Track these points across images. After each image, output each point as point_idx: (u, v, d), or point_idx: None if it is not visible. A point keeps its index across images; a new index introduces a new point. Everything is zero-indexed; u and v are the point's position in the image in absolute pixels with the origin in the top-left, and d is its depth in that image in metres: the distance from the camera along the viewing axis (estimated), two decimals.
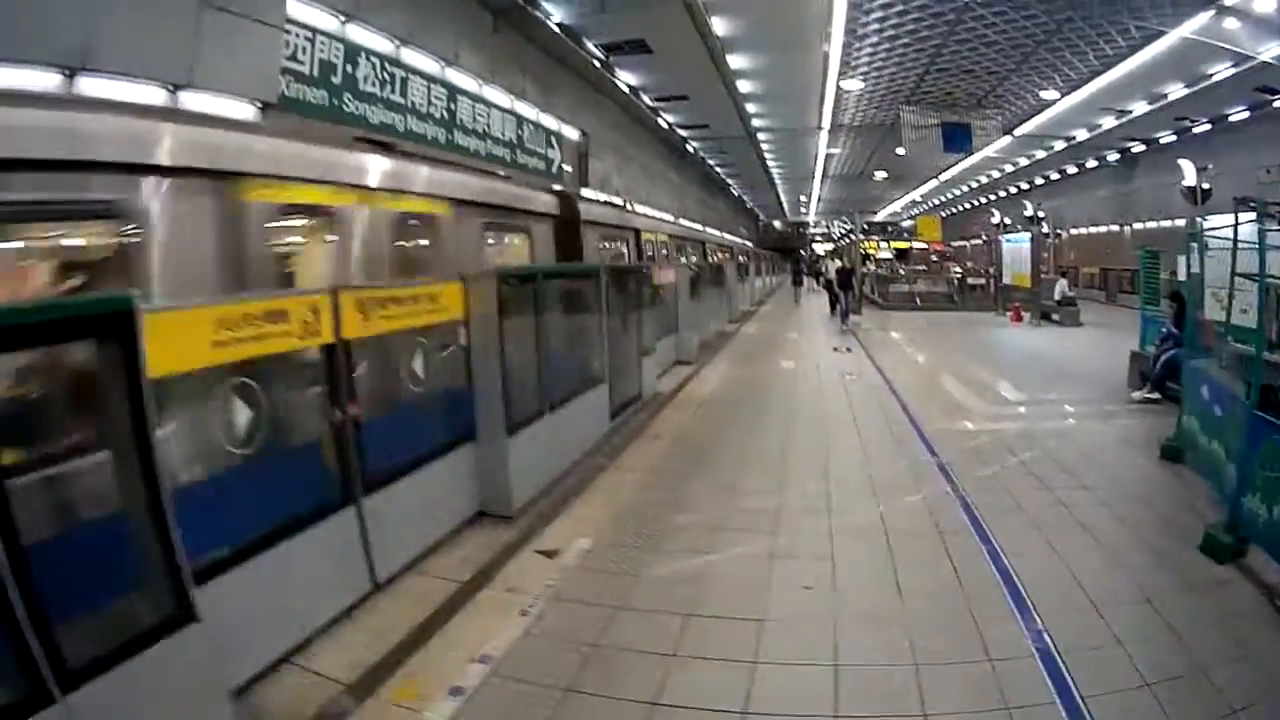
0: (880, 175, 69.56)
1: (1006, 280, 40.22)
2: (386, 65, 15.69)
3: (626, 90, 34.84)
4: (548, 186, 21.53)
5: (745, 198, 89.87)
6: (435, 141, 17.40)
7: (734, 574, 8.20)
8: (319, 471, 7.23)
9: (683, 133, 46.92)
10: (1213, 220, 13.62)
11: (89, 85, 9.02)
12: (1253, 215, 9.91)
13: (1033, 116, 45.04)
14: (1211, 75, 33.23)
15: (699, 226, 53.45)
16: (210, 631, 5.11)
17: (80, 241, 7.52)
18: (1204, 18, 26.58)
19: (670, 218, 45.29)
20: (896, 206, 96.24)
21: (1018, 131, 47.21)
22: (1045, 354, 25.18)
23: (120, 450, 4.87)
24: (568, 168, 26.80)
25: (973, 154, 47.94)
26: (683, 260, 32.97)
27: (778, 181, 76.44)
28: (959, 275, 48.85)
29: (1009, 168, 64.80)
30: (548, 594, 7.69)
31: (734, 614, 7.29)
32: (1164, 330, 16.69)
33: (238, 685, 5.74)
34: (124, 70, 9.34)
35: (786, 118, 43.75)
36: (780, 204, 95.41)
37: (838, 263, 41.47)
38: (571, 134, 28.26)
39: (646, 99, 37.32)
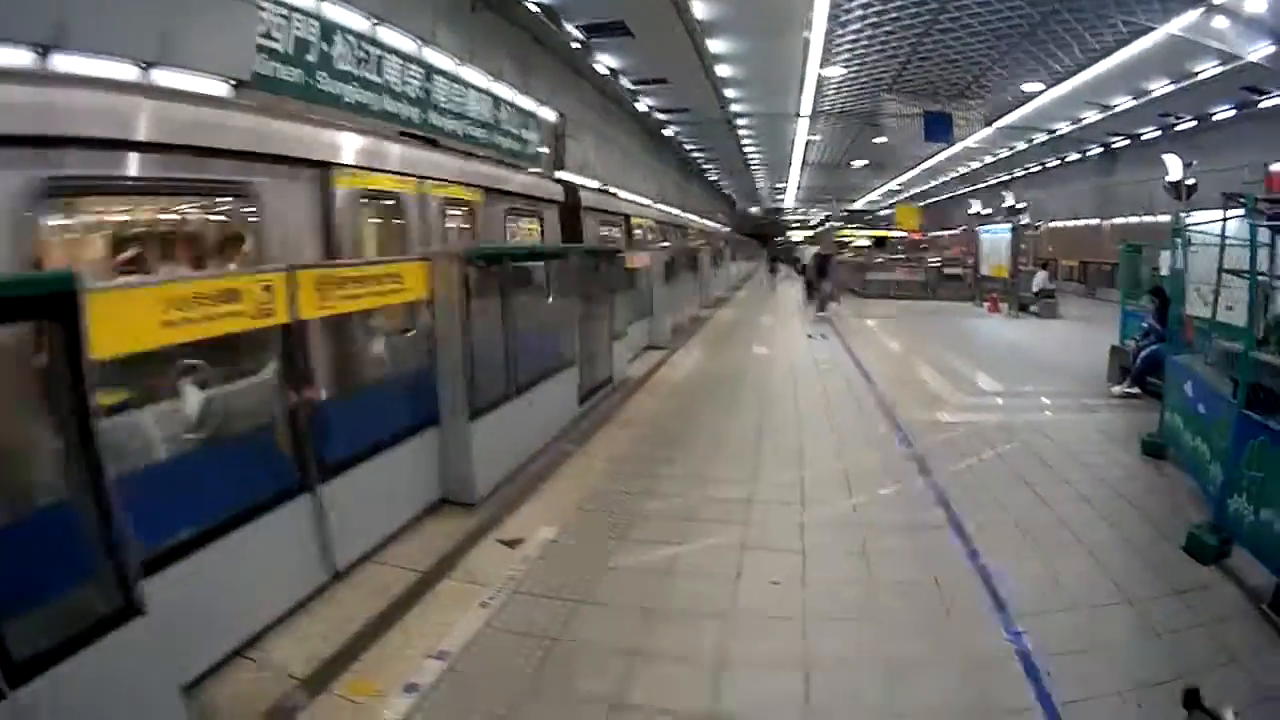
0: (859, 163, 69.70)
1: (984, 271, 40.11)
2: (363, 43, 15.41)
3: (606, 73, 34.68)
4: (555, 177, 23.02)
5: (722, 183, 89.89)
6: (410, 121, 17.13)
7: (702, 567, 7.93)
8: (273, 457, 6.93)
9: (661, 116, 46.63)
10: (1197, 216, 13.49)
11: (63, 62, 8.80)
12: (1240, 211, 9.76)
13: (1015, 108, 44.99)
14: (1198, 73, 33.29)
15: (679, 212, 53.37)
16: (159, 625, 4.93)
17: (224, 217, 8.94)
18: (1193, 15, 26.58)
19: (656, 204, 46.54)
20: (875, 195, 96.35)
21: (999, 123, 47.05)
22: (1023, 345, 25.01)
23: (60, 436, 4.64)
24: (544, 149, 26.59)
25: (954, 144, 47.82)
26: (666, 243, 34.05)
27: (755, 168, 76.66)
28: (936, 265, 48.76)
29: (989, 159, 64.81)
30: (509, 586, 7.41)
31: (701, 610, 7.03)
32: (1145, 325, 16.55)
33: (190, 680, 5.57)
34: (98, 47, 9.10)
35: (766, 103, 43.57)
36: (757, 190, 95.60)
37: (815, 249, 41.20)
38: (549, 115, 28.08)
39: (625, 82, 37.17)
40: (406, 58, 17.31)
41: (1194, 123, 39.35)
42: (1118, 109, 41.31)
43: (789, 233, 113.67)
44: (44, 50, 8.68)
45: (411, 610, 6.99)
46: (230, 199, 8.68)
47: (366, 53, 15.49)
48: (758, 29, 30.68)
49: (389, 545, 8.24)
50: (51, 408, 4.64)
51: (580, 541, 8.52)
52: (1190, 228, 12.47)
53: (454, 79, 19.73)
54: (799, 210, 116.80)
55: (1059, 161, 58.96)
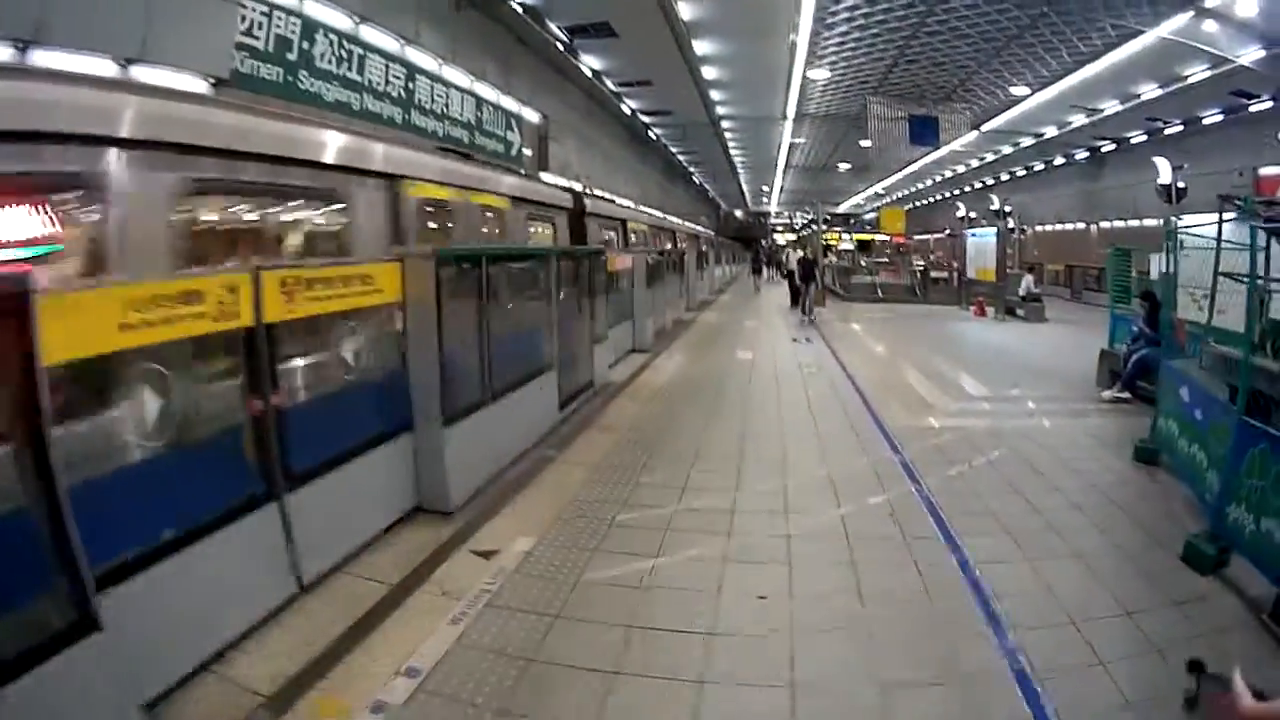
0: (844, 167, 69.50)
1: (971, 274, 40.07)
2: (345, 42, 15.20)
3: (589, 74, 34.49)
4: (565, 186, 25.51)
5: (707, 186, 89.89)
6: (391, 121, 16.96)
7: (683, 580, 7.62)
8: (237, 465, 6.64)
9: (645, 119, 46.48)
10: (1188, 219, 13.35)
11: (43, 59, 8.56)
12: (1233, 215, 9.60)
13: (1002, 112, 44.82)
14: (1187, 77, 33.18)
15: (670, 217, 53.81)
16: (118, 641, 4.84)
17: (321, 220, 11.06)
18: (1183, 19, 26.44)
19: (648, 209, 47.62)
20: (859, 198, 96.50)
21: (986, 126, 47.02)
22: (1010, 349, 24.87)
23: (11, 444, 4.44)
24: (527, 151, 26.46)
25: (939, 148, 47.79)
26: (658, 245, 36.71)
27: (740, 170, 76.60)
28: (922, 268, 48.68)
29: (975, 163, 64.84)
30: (483, 599, 7.09)
31: (682, 626, 6.72)
32: (1135, 329, 16.40)
33: (150, 698, 5.36)
34: (79, 44, 8.86)
35: (751, 106, 43.48)
36: (742, 193, 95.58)
37: (800, 253, 41.01)
38: (532, 117, 27.93)
39: (610, 83, 36.96)
40: (389, 57, 17.14)
41: (1181, 127, 39.32)
42: (1105, 113, 41.21)
43: (773, 235, 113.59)
44: (24, 46, 8.50)
45: (382, 625, 6.68)
46: (333, 203, 11.01)
47: (348, 52, 15.29)
48: (744, 31, 30.51)
49: (361, 555, 8.01)
50: (3, 414, 4.44)
51: (557, 553, 8.20)
52: (1184, 230, 12.29)
53: (436, 79, 19.57)
54: (783, 213, 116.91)
55: (1045, 166, 58.98)
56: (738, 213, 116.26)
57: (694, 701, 5.65)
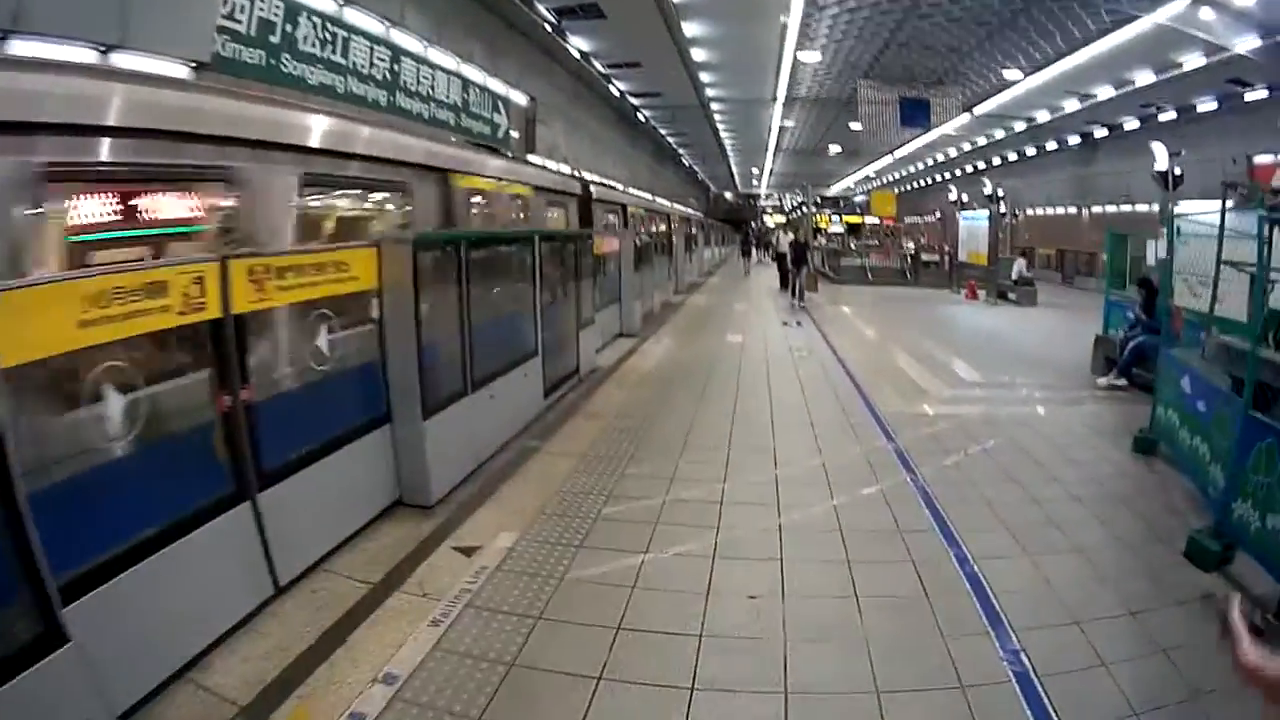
0: (834, 149, 69.19)
1: (962, 258, 39.94)
2: (328, 25, 14.86)
3: (578, 56, 34.21)
4: (575, 175, 28.40)
5: (696, 168, 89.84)
6: (376, 104, 16.67)
7: (671, 578, 7.36)
8: (207, 465, 6.38)
9: (634, 101, 46.19)
10: (1187, 205, 13.20)
11: (21, 48, 8.17)
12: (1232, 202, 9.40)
13: (994, 95, 44.46)
14: (1182, 64, 32.77)
15: (662, 199, 53.61)
16: (88, 652, 4.72)
17: (393, 208, 12.81)
18: (1180, 5, 26.11)
19: (646, 193, 49.26)
20: (850, 181, 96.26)
21: (978, 110, 46.69)
22: (1003, 334, 24.72)
23: None
24: (514, 134, 26.17)
25: (930, 131, 47.58)
26: (655, 227, 38.20)
27: (730, 153, 76.46)
28: (912, 251, 48.52)
29: (967, 146, 64.47)
30: (463, 599, 6.82)
31: (669, 628, 6.46)
32: (1131, 316, 16.23)
33: (123, 709, 5.19)
34: (58, 32, 8.55)
35: (741, 88, 43.22)
36: (732, 175, 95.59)
37: (790, 236, 40.70)
38: (519, 99, 27.66)
39: (598, 65, 36.64)
40: (374, 39, 16.81)
41: (1175, 114, 39.02)
42: (1098, 98, 40.90)
43: (763, 218, 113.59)
44: (2, 36, 8.14)
45: (359, 627, 6.42)
46: (400, 194, 12.65)
47: (332, 34, 14.97)
48: (734, 12, 30.29)
49: (339, 553, 7.79)
50: None
51: (541, 549, 7.93)
52: (1185, 217, 12.06)
53: (422, 61, 19.24)
54: (773, 196, 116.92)
55: (1037, 150, 58.72)
56: (727, 195, 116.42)
57: (683, 710, 5.38)
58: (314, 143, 9.84)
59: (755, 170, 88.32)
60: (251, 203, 8.52)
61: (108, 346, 5.28)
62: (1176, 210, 13.17)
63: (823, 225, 69.55)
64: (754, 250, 60.57)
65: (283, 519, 6.90)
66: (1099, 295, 19.74)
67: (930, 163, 76.86)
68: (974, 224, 39.70)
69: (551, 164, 28.95)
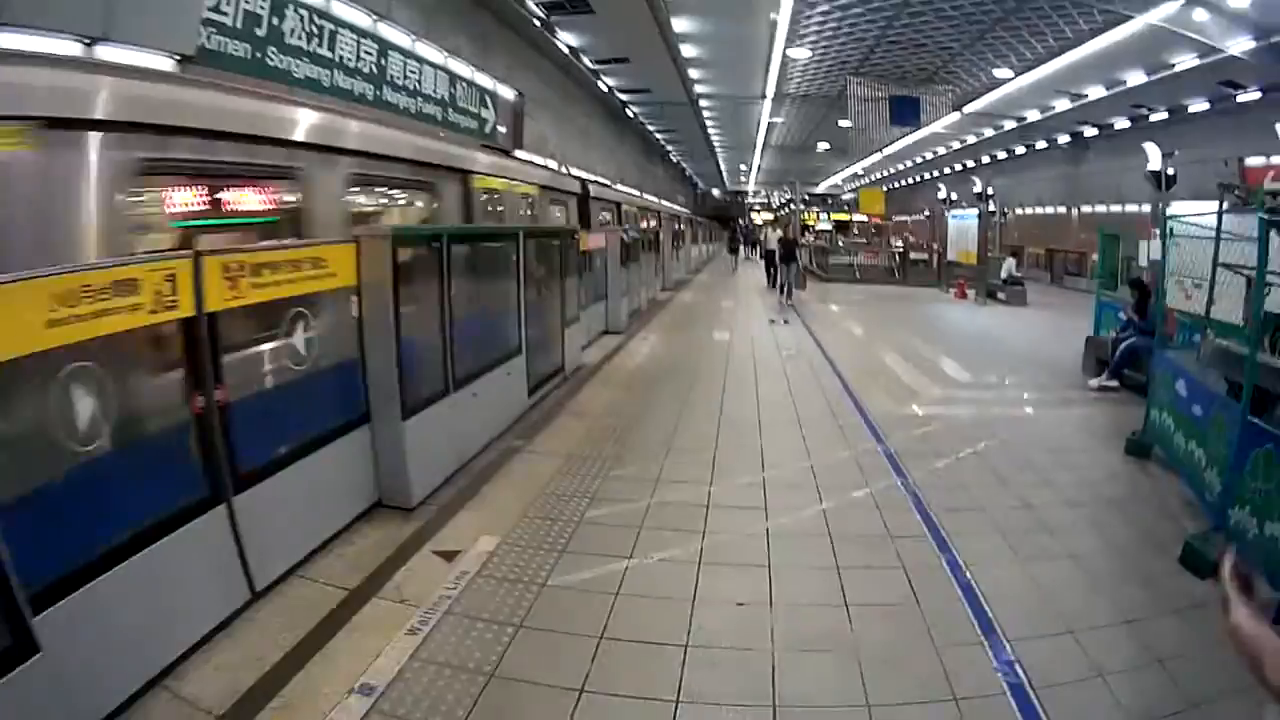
0: (823, 147, 69.19)
1: (951, 256, 39.89)
2: (315, 18, 14.66)
3: (566, 51, 34.07)
4: (575, 175, 30.20)
5: (684, 165, 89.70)
6: (363, 98, 16.48)
7: (656, 585, 7.20)
8: (180, 468, 6.20)
9: (623, 97, 46.03)
10: (1177, 207, 13.10)
11: (4, 41, 8.06)
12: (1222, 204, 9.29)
13: (984, 94, 44.40)
14: (1174, 65, 32.70)
15: (649, 196, 54.31)
16: (60, 662, 4.66)
17: (421, 205, 14.65)
18: (1173, 6, 25.99)
19: (639, 192, 50.72)
20: (838, 179, 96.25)
21: (968, 109, 46.60)
22: (993, 334, 24.65)
23: None
24: (502, 128, 25.95)
25: (920, 129, 47.53)
26: (646, 223, 38.88)
27: (718, 150, 76.42)
28: (901, 249, 48.44)
29: (956, 145, 64.47)
30: (443, 606, 6.64)
31: (654, 637, 6.29)
32: (1122, 318, 16.17)
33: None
34: (40, 24, 8.38)
35: (730, 85, 43.03)
36: (720, 172, 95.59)
37: (779, 233, 40.53)
38: (507, 94, 27.38)
39: (587, 61, 36.44)
40: (361, 33, 16.63)
41: (1166, 115, 39.00)
42: (1089, 98, 40.82)
43: (751, 215, 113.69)
44: None
45: (337, 635, 6.24)
46: (427, 192, 14.37)
47: (319, 27, 14.76)
48: (723, 8, 30.21)
49: (318, 556, 7.61)
50: None
51: (523, 553, 7.75)
52: (1180, 218, 11.94)
53: (409, 55, 19.02)
54: (761, 193, 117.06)
55: (1027, 149, 58.71)
56: (715, 191, 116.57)
57: None
58: (358, 146, 11.36)
59: (743, 167, 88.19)
60: (312, 198, 9.97)
61: (77, 346, 5.08)
62: (1171, 211, 13.00)
63: (810, 223, 69.49)
64: (742, 247, 60.58)
65: (259, 522, 6.73)
66: (1088, 295, 19.71)
67: (919, 160, 76.88)
68: (963, 222, 39.64)
69: (554, 165, 29.26)
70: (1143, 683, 5.76)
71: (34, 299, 4.63)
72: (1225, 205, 10.00)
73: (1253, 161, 32.19)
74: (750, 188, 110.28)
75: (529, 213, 20.57)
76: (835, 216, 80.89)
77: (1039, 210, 59.18)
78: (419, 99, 18.86)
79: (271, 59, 13.04)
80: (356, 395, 8.50)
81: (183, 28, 10.73)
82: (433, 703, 5.37)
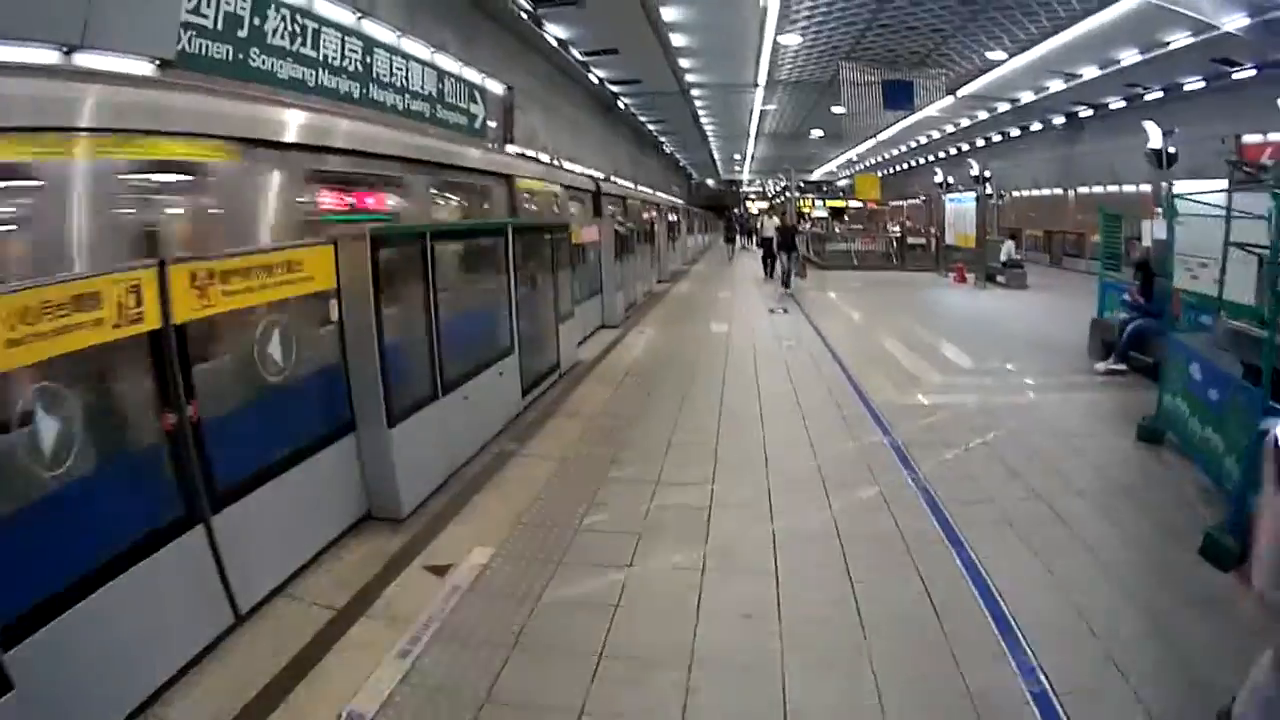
0: (817, 134, 69.13)
1: (949, 240, 39.65)
2: (298, 17, 14.44)
3: (555, 43, 33.67)
4: (589, 174, 35.50)
5: (678, 155, 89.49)
6: (349, 97, 16.24)
7: (657, 596, 6.88)
8: (153, 489, 5.91)
9: (613, 88, 45.68)
10: (1184, 186, 12.84)
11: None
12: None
13: (978, 77, 44.18)
14: (1168, 43, 32.46)
15: (644, 188, 55.39)
16: (34, 699, 4.44)
17: (478, 203, 18.16)
18: None
19: (641, 186, 53.68)
20: (832, 166, 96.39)
21: (962, 91, 46.39)
22: (995, 318, 24.34)
23: None
24: (492, 123, 25.78)
25: (914, 113, 47.37)
26: (647, 215, 41.80)
27: (711, 139, 76.11)
28: (898, 235, 48.24)
29: (950, 128, 64.33)
30: (433, 625, 6.33)
31: (656, 653, 5.95)
32: (1126, 299, 15.98)
33: None
34: (18, 34, 8.15)
35: (721, 73, 42.71)
36: (713, 161, 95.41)
37: (777, 221, 40.22)
38: (496, 88, 27.19)
39: (576, 53, 36.10)
40: (345, 30, 16.40)
41: (1161, 93, 38.82)
42: (1083, 78, 40.60)
43: (746, 204, 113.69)
44: None
45: (324, 658, 5.95)
46: (484, 194, 18.34)
47: (301, 26, 14.54)
48: None
49: (305, 574, 7.31)
50: None
51: (518, 566, 7.43)
52: (1186, 197, 11.65)
53: (395, 52, 18.84)
54: (755, 181, 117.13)
55: (1021, 131, 58.57)
56: (709, 181, 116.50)
57: None
58: (440, 160, 15.46)
59: (737, 156, 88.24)
60: (410, 200, 13.99)
61: (37, 366, 4.83)
62: (1176, 190, 12.76)
63: (806, 210, 69.34)
64: (738, 237, 60.49)
65: (240, 542, 6.44)
66: (1088, 277, 19.57)
67: (914, 145, 76.84)
68: (961, 206, 39.38)
69: (575, 168, 34.02)
70: (1170, 685, 5.50)
71: None
72: (1233, 182, 9.69)
73: (1250, 139, 31.95)
74: (745, 177, 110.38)
75: (556, 209, 24.23)
76: (831, 203, 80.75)
77: (1035, 192, 59.00)
78: (406, 95, 18.81)
79: (254, 60, 12.99)
80: (340, 403, 8.20)
81: (161, 32, 10.64)
82: None
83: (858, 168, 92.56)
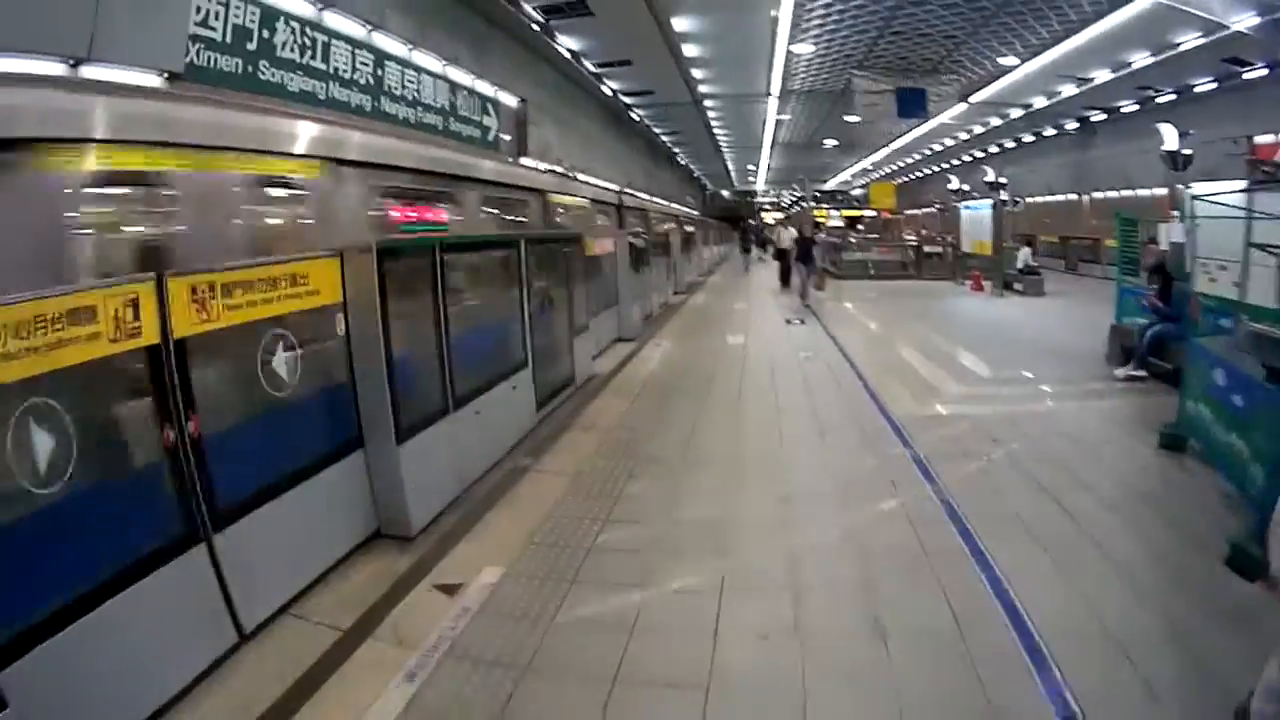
0: (830, 143, 69.13)
1: (966, 248, 39.44)
2: (307, 30, 14.37)
3: (567, 55, 33.65)
4: (613, 189, 36.37)
5: (692, 167, 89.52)
6: (360, 109, 16.15)
7: (673, 617, 6.67)
8: (152, 507, 5.77)
9: (626, 100, 45.68)
10: (1200, 187, 12.66)
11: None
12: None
13: (990, 83, 44.18)
14: (1179, 44, 32.60)
15: (657, 199, 55.60)
16: (30, 718, 4.43)
17: (518, 216, 20.48)
18: None
19: (650, 197, 52.15)
20: (846, 175, 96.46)
21: (975, 98, 46.36)
22: (1014, 325, 24.12)
23: None
24: (505, 136, 25.71)
25: (927, 121, 47.28)
26: (665, 226, 41.64)
27: (725, 150, 76.36)
28: (915, 244, 48.05)
29: (964, 135, 64.40)
30: (442, 647, 6.15)
31: (671, 677, 5.75)
32: (1144, 304, 15.85)
33: None
34: (24, 46, 8.15)
35: (734, 83, 42.74)
36: (728, 172, 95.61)
37: (793, 231, 39.87)
38: (509, 100, 27.13)
39: (588, 64, 36.13)
40: (355, 43, 16.33)
41: (1174, 96, 38.73)
42: (1095, 82, 40.60)
43: (761, 214, 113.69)
44: None
45: (329, 681, 5.79)
46: (513, 208, 19.87)
47: (311, 39, 14.48)
48: (724, 5, 29.81)
49: (312, 592, 7.20)
50: None
51: (529, 586, 7.23)
52: (1207, 198, 11.47)
53: (406, 64, 18.78)
54: (770, 192, 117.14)
55: (1035, 136, 58.47)
56: (724, 192, 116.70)
57: None
58: (490, 178, 18.36)
59: (751, 166, 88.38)
60: (465, 213, 16.51)
61: (30, 381, 4.71)
62: (1194, 191, 12.58)
63: (821, 219, 69.30)
64: (754, 248, 60.41)
65: (244, 560, 6.33)
66: (1104, 282, 19.35)
67: (927, 153, 76.82)
68: (976, 213, 39.16)
69: (599, 182, 34.96)
70: (1205, 710, 5.30)
71: None
72: (1252, 183, 9.52)
73: (1262, 139, 31.81)
74: (759, 187, 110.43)
75: (586, 221, 27.06)
76: (846, 213, 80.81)
77: (1050, 198, 58.86)
78: (419, 109, 18.76)
79: (264, 73, 13.00)
80: (348, 419, 8.05)
81: (170, 44, 10.69)
82: None
83: (872, 176, 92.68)
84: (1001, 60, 39.36)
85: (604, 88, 41.21)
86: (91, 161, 7.60)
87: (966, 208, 41.93)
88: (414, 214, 14.35)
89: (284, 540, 6.90)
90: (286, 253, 7.57)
